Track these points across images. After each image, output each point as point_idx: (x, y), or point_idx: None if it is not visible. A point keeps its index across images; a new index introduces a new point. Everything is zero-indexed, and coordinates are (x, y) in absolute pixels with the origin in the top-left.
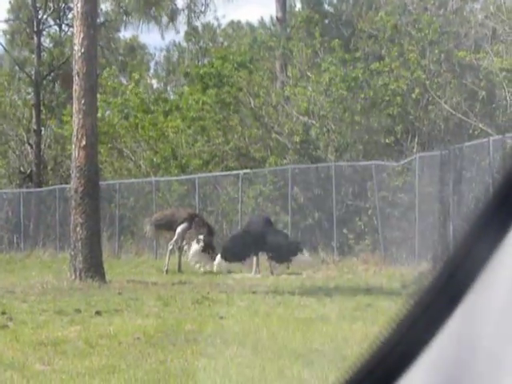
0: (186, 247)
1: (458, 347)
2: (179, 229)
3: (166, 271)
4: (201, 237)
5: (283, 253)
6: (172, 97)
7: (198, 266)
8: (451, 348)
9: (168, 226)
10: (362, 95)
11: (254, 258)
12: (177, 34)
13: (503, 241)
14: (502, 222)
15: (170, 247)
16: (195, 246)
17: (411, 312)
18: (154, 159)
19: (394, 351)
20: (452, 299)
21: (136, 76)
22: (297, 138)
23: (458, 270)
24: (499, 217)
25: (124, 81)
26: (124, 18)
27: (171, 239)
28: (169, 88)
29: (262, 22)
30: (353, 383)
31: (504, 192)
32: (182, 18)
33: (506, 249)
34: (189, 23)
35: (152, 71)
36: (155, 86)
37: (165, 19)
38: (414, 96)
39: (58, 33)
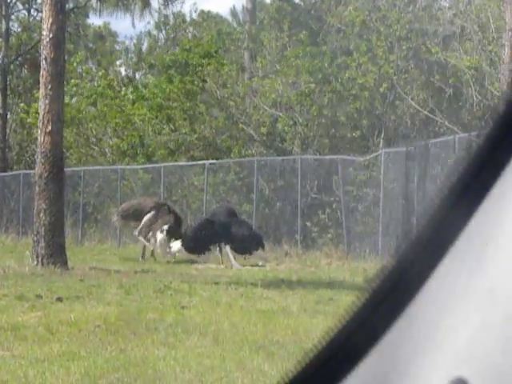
0: (151, 236)
1: (407, 342)
2: (145, 218)
3: (142, 257)
4: (165, 226)
5: (246, 245)
6: (140, 85)
7: (162, 255)
8: (401, 344)
9: (135, 215)
10: (330, 89)
11: (218, 249)
12: (148, 23)
13: (459, 237)
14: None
15: (136, 234)
16: (160, 236)
17: (363, 306)
18: (121, 146)
19: (345, 344)
20: (403, 296)
21: (104, 62)
22: (263, 130)
23: (411, 267)
24: (453, 214)
25: (93, 68)
26: (96, 3)
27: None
28: (137, 76)
29: (232, 12)
30: (304, 376)
31: (459, 189)
32: (153, 7)
33: (462, 244)
34: (160, 12)
35: (122, 59)
36: (124, 73)
37: (137, 7)
38: (381, 91)
39: (26, 17)
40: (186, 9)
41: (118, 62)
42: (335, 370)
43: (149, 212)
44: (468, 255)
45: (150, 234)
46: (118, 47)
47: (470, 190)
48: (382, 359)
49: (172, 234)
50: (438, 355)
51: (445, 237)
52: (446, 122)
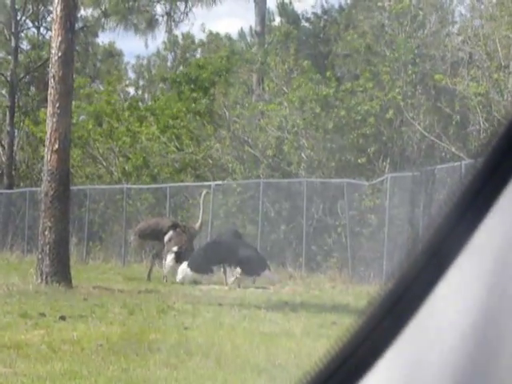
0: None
1: (406, 364)
2: (166, 238)
3: (149, 277)
4: (175, 248)
5: (251, 267)
6: (149, 103)
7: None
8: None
9: (153, 235)
10: (335, 114)
11: (222, 270)
12: (155, 42)
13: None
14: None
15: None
16: (168, 257)
17: (362, 327)
18: (126, 167)
19: (344, 363)
20: (403, 314)
21: (110, 82)
22: (270, 152)
23: (410, 287)
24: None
25: (101, 87)
26: (103, 21)
27: (155, 248)
28: (146, 96)
29: (241, 35)
30: None
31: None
32: (161, 27)
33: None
34: (169, 31)
35: (130, 78)
36: (132, 93)
37: (144, 26)
38: (387, 116)
39: (35, 35)
40: (195, 30)
41: (126, 81)
42: None
43: (167, 232)
44: (469, 272)
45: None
46: (124, 67)
47: (471, 207)
48: (381, 378)
49: (182, 256)
50: (436, 374)
51: (445, 254)
52: (453, 148)
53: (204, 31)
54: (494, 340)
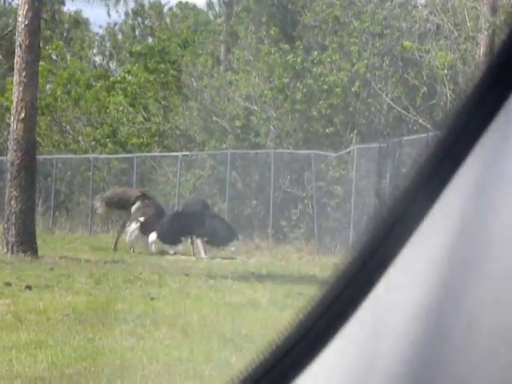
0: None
1: (367, 333)
2: (134, 208)
3: (115, 247)
4: (141, 218)
5: (219, 237)
6: (116, 74)
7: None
8: (361, 333)
9: (119, 204)
10: (303, 84)
11: (189, 241)
12: (123, 12)
13: (420, 226)
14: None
15: (127, 227)
16: (132, 226)
17: (324, 297)
18: (93, 136)
19: (307, 334)
20: (363, 286)
21: (79, 49)
22: (238, 123)
23: (371, 258)
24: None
25: (68, 56)
26: None
27: (122, 218)
28: (112, 65)
29: (209, 4)
30: (267, 365)
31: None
32: None
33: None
34: (136, 1)
35: (96, 48)
36: (98, 62)
37: None
38: (354, 88)
39: (2, 3)
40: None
41: (93, 51)
42: (298, 360)
43: (134, 202)
44: (429, 244)
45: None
46: (92, 35)
47: (433, 177)
48: (343, 348)
49: (149, 226)
50: (394, 340)
51: (406, 225)
52: (420, 120)
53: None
54: (449, 312)
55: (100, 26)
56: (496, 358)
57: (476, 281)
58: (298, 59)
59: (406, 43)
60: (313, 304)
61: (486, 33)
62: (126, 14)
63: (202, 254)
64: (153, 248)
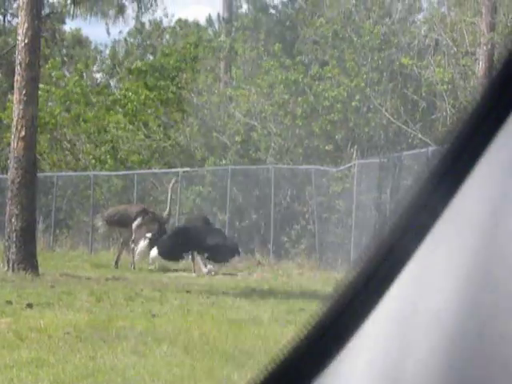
0: (133, 244)
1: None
2: (134, 225)
3: (116, 264)
4: (148, 235)
5: (221, 253)
6: (116, 91)
7: (151, 266)
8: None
9: (121, 221)
10: (303, 100)
11: (191, 257)
12: (124, 29)
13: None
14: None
15: (132, 246)
16: (142, 244)
17: (328, 312)
18: (94, 153)
19: (310, 350)
20: (366, 301)
21: (80, 67)
22: (238, 139)
23: (375, 272)
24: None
25: (67, 73)
26: (71, 9)
27: (123, 235)
28: (112, 83)
29: (209, 21)
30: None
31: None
32: (129, 14)
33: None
34: (137, 18)
35: (97, 65)
36: (99, 80)
37: (112, 13)
38: (354, 103)
39: (2, 22)
40: (162, 16)
41: (93, 68)
42: (300, 375)
43: (135, 219)
44: (435, 257)
45: (133, 240)
46: (93, 53)
47: (436, 191)
48: (345, 364)
49: (154, 242)
50: (402, 354)
51: (409, 240)
52: (420, 135)
53: (167, 17)
54: (459, 322)
55: (100, 44)
56: (507, 366)
57: (489, 288)
58: (299, 76)
59: (404, 60)
60: (316, 319)
61: (484, 48)
62: (129, 33)
63: (204, 270)
64: (153, 263)
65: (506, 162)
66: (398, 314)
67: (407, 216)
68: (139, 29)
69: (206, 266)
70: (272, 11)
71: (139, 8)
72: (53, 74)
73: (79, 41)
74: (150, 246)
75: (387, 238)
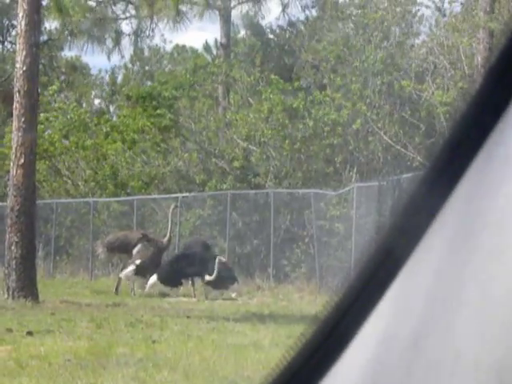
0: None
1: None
2: (135, 251)
3: (116, 290)
4: (137, 261)
5: (220, 280)
6: (114, 118)
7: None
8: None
9: (121, 248)
10: (303, 124)
11: (190, 283)
12: (122, 58)
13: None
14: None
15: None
16: (129, 268)
17: (314, 335)
18: (93, 180)
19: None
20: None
21: (76, 95)
22: (237, 164)
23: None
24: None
25: (66, 101)
26: (68, 38)
27: (123, 261)
28: (111, 109)
29: (206, 48)
30: None
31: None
32: (127, 41)
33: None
34: (135, 46)
35: (95, 92)
36: (98, 106)
37: (109, 41)
38: (355, 127)
39: (0, 50)
40: (160, 42)
41: (92, 95)
42: None
43: (136, 245)
44: (418, 277)
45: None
46: (91, 80)
47: (418, 213)
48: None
49: (146, 269)
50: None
51: (395, 260)
52: (419, 158)
53: (165, 42)
54: (437, 344)
55: (99, 70)
56: None
57: (463, 313)
58: (300, 103)
59: (404, 82)
60: (303, 341)
61: (482, 70)
62: (131, 58)
63: (204, 296)
64: (149, 289)
65: (503, 157)
66: (377, 339)
67: (390, 238)
68: (138, 55)
69: (205, 293)
70: (270, 36)
71: (137, 36)
72: (53, 104)
73: (76, 67)
74: (137, 271)
75: (372, 260)
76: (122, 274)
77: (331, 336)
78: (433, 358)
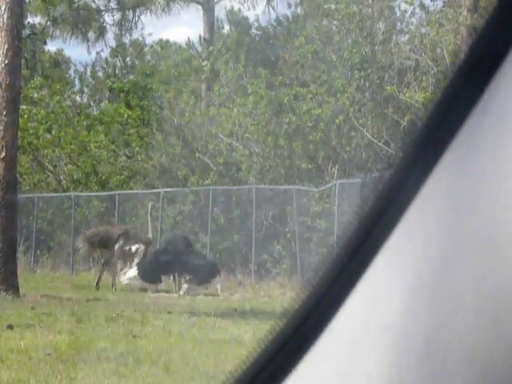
0: (119, 265)
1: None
2: (117, 247)
3: (97, 285)
4: (136, 260)
5: (201, 275)
6: (95, 111)
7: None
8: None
9: (102, 243)
10: (287, 120)
11: (172, 278)
12: (104, 50)
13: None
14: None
15: (114, 267)
16: (131, 272)
17: (281, 330)
18: (75, 174)
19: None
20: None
21: (58, 87)
22: (220, 159)
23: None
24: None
25: (47, 93)
26: (51, 31)
27: (104, 256)
28: (92, 103)
29: (188, 44)
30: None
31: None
32: (109, 35)
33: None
34: (117, 39)
35: (77, 86)
36: (79, 100)
37: (91, 34)
38: (337, 122)
39: None
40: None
41: (74, 88)
42: None
43: (117, 240)
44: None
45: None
46: (73, 74)
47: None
48: (301, 378)
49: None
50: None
51: (364, 254)
52: (401, 154)
53: (144, 36)
54: (408, 333)
55: (81, 63)
56: (451, 377)
57: (434, 301)
58: (285, 98)
59: (388, 87)
60: (268, 338)
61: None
62: (111, 51)
63: (181, 292)
64: (128, 280)
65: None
66: (350, 327)
67: (357, 236)
68: (120, 48)
69: (186, 288)
70: (254, 31)
71: (120, 30)
72: (35, 96)
73: (59, 61)
74: (139, 274)
75: (340, 255)
76: (125, 279)
77: (299, 330)
78: (403, 345)
